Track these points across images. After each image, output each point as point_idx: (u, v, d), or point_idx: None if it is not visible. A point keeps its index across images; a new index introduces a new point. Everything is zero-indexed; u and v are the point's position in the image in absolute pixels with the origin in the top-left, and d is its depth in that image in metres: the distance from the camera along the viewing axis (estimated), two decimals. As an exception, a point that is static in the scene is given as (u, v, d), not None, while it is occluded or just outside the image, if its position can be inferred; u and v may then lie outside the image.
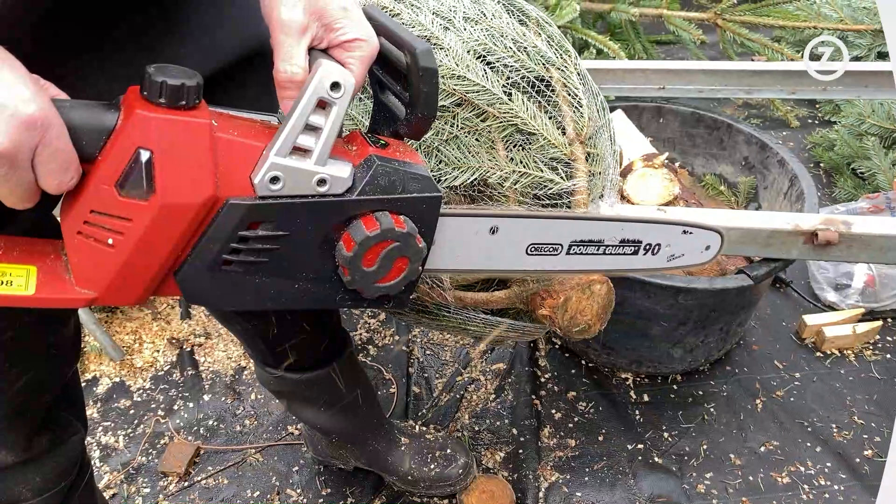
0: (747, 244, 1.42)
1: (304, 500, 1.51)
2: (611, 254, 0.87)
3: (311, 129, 0.57)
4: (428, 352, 1.86)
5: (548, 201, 0.89)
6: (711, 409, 1.69)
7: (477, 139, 0.88)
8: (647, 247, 0.89)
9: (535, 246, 0.82)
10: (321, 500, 1.51)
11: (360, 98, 0.94)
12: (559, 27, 2.49)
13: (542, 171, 0.88)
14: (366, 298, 0.68)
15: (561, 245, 0.83)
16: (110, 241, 0.55)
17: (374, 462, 1.50)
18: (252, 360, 1.38)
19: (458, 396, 1.74)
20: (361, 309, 0.90)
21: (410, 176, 0.63)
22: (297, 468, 1.58)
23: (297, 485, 1.55)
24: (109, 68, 0.66)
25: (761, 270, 1.48)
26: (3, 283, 0.55)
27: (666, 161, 1.85)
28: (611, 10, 2.78)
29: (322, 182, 0.59)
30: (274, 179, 0.57)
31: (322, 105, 0.57)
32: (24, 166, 0.49)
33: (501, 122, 0.88)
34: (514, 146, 0.89)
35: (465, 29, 0.91)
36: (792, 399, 1.71)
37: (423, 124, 0.67)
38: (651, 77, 2.00)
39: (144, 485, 1.55)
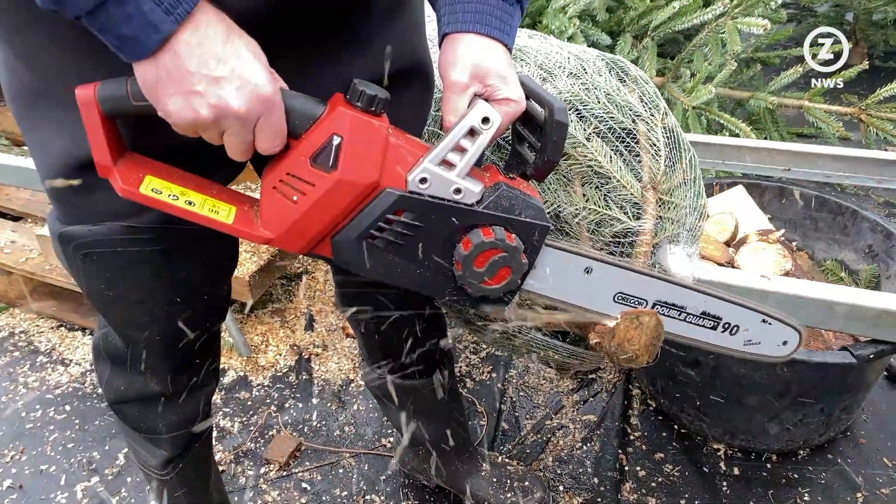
0: (853, 321, 1.39)
1: (386, 508, 1.63)
2: (690, 322, 0.93)
3: (459, 149, 0.75)
4: (522, 393, 1.93)
5: (611, 239, 0.98)
6: (806, 496, 1.63)
7: (555, 176, 1.00)
8: (727, 325, 0.94)
9: (623, 295, 0.90)
10: (401, 510, 1.62)
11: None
12: (694, 107, 2.58)
13: (610, 209, 0.98)
14: (469, 296, 0.82)
15: (646, 301, 0.91)
16: (294, 199, 0.73)
17: (454, 482, 1.58)
18: (362, 361, 1.54)
19: (544, 439, 1.79)
20: (463, 307, 1.04)
21: (527, 204, 0.79)
22: (384, 477, 1.69)
23: (382, 492, 1.66)
24: (298, 70, 0.81)
25: (866, 350, 1.45)
26: (213, 211, 0.74)
27: (782, 238, 1.85)
28: (749, 98, 2.80)
29: (458, 191, 0.76)
30: (423, 180, 0.74)
31: (472, 133, 0.75)
32: (249, 129, 0.67)
33: (580, 164, 1.00)
34: (591, 186, 1.00)
35: (563, 81, 1.05)
36: (899, 500, 1.61)
37: (547, 167, 0.83)
38: (776, 157, 2.02)
39: (249, 468, 1.72)
